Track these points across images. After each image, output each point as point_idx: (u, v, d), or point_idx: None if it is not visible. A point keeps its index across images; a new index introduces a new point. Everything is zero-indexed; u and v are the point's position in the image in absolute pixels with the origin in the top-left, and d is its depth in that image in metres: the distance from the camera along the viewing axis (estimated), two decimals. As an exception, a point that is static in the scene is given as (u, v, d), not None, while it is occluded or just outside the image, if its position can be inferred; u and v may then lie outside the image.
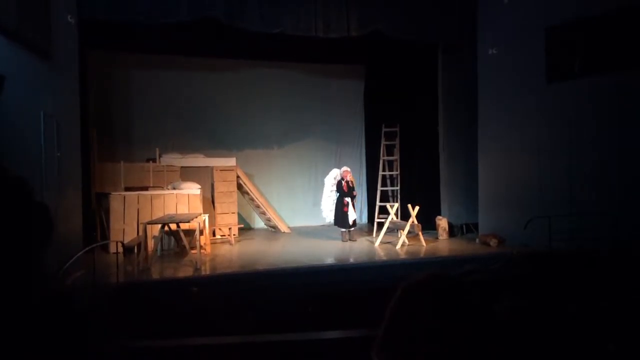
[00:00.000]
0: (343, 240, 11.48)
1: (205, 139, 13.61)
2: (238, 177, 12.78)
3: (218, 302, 6.60)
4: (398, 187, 13.26)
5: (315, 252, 10.43)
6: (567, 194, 9.76)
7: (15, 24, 6.49)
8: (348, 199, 11.48)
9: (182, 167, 12.35)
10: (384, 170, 13.61)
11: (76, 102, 9.20)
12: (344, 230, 11.58)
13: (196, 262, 8.96)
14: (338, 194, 11.63)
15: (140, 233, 9.78)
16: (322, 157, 15.14)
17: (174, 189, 11.34)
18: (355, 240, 11.58)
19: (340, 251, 10.62)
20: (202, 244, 9.76)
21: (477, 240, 10.94)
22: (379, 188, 13.44)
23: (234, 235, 11.89)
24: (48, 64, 7.75)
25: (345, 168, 11.95)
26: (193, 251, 9.54)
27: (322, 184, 12.30)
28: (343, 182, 11.57)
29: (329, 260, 9.76)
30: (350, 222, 11.51)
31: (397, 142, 13.46)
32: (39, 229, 1.34)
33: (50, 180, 7.47)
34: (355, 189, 11.95)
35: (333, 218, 11.78)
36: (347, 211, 11.46)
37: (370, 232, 12.71)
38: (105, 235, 10.77)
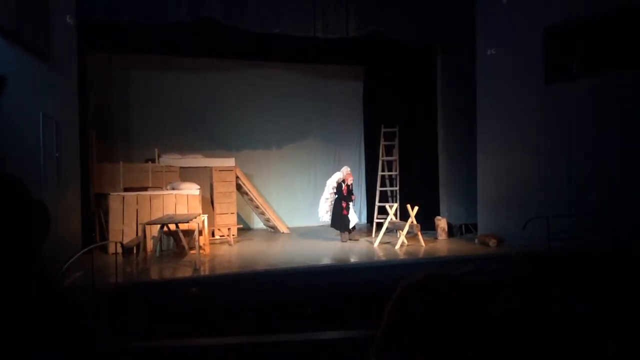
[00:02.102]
0: (342, 241, 11.48)
1: (204, 140, 13.61)
2: (237, 177, 12.79)
3: (217, 303, 6.60)
4: (397, 188, 13.26)
5: (314, 252, 10.43)
6: (566, 194, 9.76)
7: (15, 25, 6.48)
8: (348, 203, 11.48)
9: (181, 167, 12.35)
10: (383, 170, 13.61)
11: (75, 103, 9.20)
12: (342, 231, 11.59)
13: (195, 263, 8.95)
14: (337, 196, 11.61)
15: (139, 233, 9.78)
16: (321, 157, 15.16)
17: (173, 189, 11.33)
18: (357, 240, 11.58)
19: (340, 251, 10.62)
20: (201, 244, 9.76)
21: (476, 240, 10.94)
22: (378, 188, 13.44)
23: (233, 235, 11.88)
24: (47, 65, 7.75)
25: (348, 170, 11.91)
26: (192, 252, 9.53)
27: (323, 184, 12.28)
28: (344, 185, 11.56)
29: (328, 261, 9.76)
30: (351, 226, 11.53)
31: (396, 142, 13.46)
32: (36, 225, 1.34)
33: (49, 180, 7.47)
34: (354, 192, 11.94)
35: (330, 219, 11.78)
36: (346, 214, 11.46)
37: (369, 232, 12.70)
38: (104, 235, 10.76)
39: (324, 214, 11.92)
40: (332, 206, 11.71)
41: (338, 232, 11.67)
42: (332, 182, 11.83)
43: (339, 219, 11.53)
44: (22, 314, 1.13)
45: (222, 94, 13.94)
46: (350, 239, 11.53)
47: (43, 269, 1.32)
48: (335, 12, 10.52)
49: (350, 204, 11.55)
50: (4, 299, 1.17)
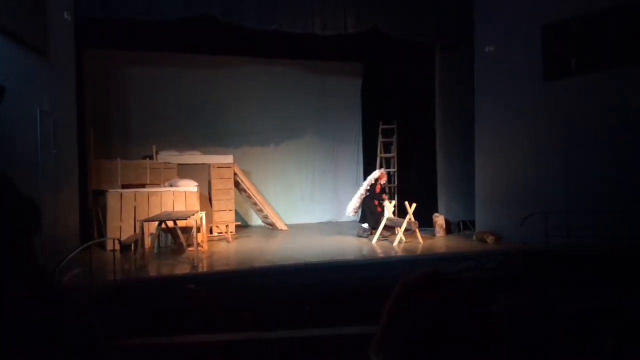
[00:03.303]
0: (358, 235, 11.47)
1: (202, 136, 13.59)
2: (235, 174, 12.77)
3: (215, 300, 6.60)
4: (395, 185, 13.26)
5: (312, 249, 10.42)
6: (564, 191, 9.77)
7: (12, 22, 6.46)
8: (379, 201, 11.40)
9: (179, 164, 12.33)
10: (381, 167, 13.61)
11: (73, 100, 9.18)
12: (367, 227, 11.57)
13: (193, 260, 8.96)
14: (368, 194, 11.56)
15: (137, 230, 9.78)
16: (319, 154, 15.14)
17: (171, 186, 11.32)
18: (386, 237, 11.44)
19: (338, 249, 10.61)
20: (199, 241, 9.76)
21: (474, 237, 10.95)
22: (376, 185, 13.44)
23: (231, 232, 11.88)
24: (45, 62, 7.72)
25: (383, 171, 11.89)
26: (190, 248, 9.54)
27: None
28: (377, 183, 11.50)
29: (326, 258, 9.75)
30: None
31: (394, 139, 13.46)
32: (23, 219, 1.33)
33: (46, 177, 7.45)
34: (386, 191, 11.85)
35: (360, 214, 11.78)
36: (381, 211, 11.40)
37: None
38: (102, 232, 10.75)
39: (350, 210, 11.87)
40: (361, 202, 11.65)
41: (334, 229, 11.65)
42: (371, 179, 11.74)
43: (370, 215, 11.48)
44: (14, 310, 1.13)
45: (220, 90, 13.93)
46: (365, 236, 11.45)
47: (37, 265, 1.31)
48: (333, 8, 10.51)
49: (380, 201, 11.46)
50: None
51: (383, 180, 11.71)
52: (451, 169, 12.09)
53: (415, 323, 1.12)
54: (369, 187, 11.68)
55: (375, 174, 11.78)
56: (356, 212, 11.92)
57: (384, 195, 11.66)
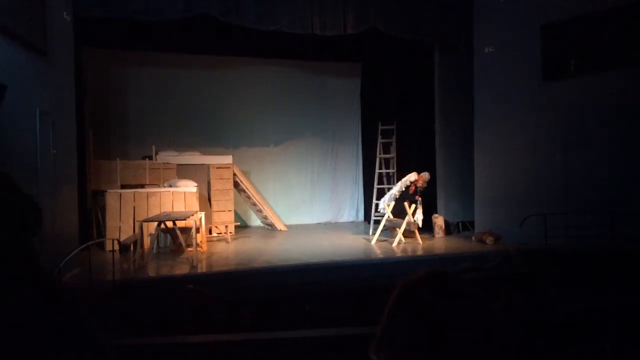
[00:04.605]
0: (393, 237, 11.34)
1: (201, 137, 13.59)
2: (234, 174, 12.78)
3: (214, 300, 6.59)
4: (394, 185, 13.23)
5: (311, 249, 10.42)
6: (563, 191, 9.78)
7: (11, 22, 6.46)
8: (411, 202, 11.13)
9: (178, 164, 12.33)
10: (380, 168, 13.60)
11: (72, 100, 9.17)
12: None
13: (192, 260, 8.95)
14: (401, 195, 11.36)
15: (137, 231, 9.77)
16: (319, 154, 15.15)
17: (170, 186, 11.32)
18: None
19: (337, 249, 10.61)
20: (198, 241, 9.75)
21: (474, 238, 10.94)
22: (376, 186, 13.40)
23: (230, 233, 11.88)
24: (44, 62, 7.72)
25: (422, 175, 11.61)
26: (189, 249, 9.53)
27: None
28: (412, 185, 11.25)
29: (326, 258, 9.75)
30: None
31: (393, 139, 13.45)
32: (24, 218, 1.33)
33: (45, 177, 7.44)
34: (418, 194, 11.56)
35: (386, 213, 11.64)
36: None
37: (366, 229, 12.70)
38: (101, 233, 10.75)
39: (383, 205, 11.68)
40: (393, 201, 11.45)
41: (333, 229, 11.60)
42: (406, 181, 11.51)
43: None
44: (14, 310, 1.13)
45: (219, 90, 13.93)
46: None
47: (37, 265, 1.31)
48: (333, 8, 10.51)
49: (414, 204, 11.19)
50: None
51: (420, 183, 11.36)
52: (450, 169, 12.08)
53: (415, 323, 1.12)
54: (403, 189, 11.44)
55: (411, 177, 11.47)
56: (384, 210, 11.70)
57: (417, 197, 11.35)
